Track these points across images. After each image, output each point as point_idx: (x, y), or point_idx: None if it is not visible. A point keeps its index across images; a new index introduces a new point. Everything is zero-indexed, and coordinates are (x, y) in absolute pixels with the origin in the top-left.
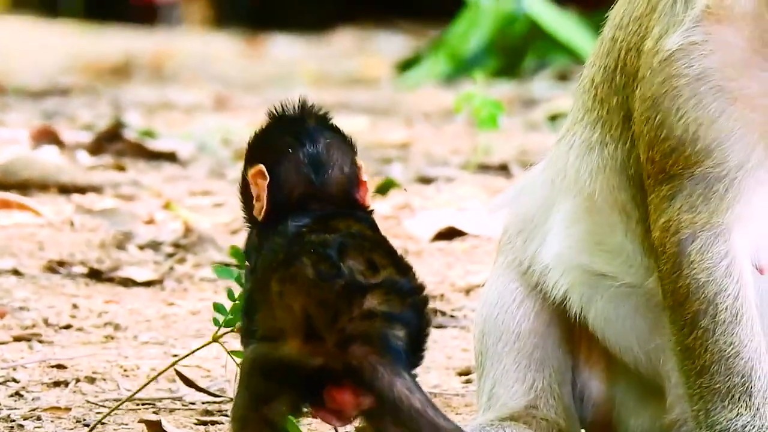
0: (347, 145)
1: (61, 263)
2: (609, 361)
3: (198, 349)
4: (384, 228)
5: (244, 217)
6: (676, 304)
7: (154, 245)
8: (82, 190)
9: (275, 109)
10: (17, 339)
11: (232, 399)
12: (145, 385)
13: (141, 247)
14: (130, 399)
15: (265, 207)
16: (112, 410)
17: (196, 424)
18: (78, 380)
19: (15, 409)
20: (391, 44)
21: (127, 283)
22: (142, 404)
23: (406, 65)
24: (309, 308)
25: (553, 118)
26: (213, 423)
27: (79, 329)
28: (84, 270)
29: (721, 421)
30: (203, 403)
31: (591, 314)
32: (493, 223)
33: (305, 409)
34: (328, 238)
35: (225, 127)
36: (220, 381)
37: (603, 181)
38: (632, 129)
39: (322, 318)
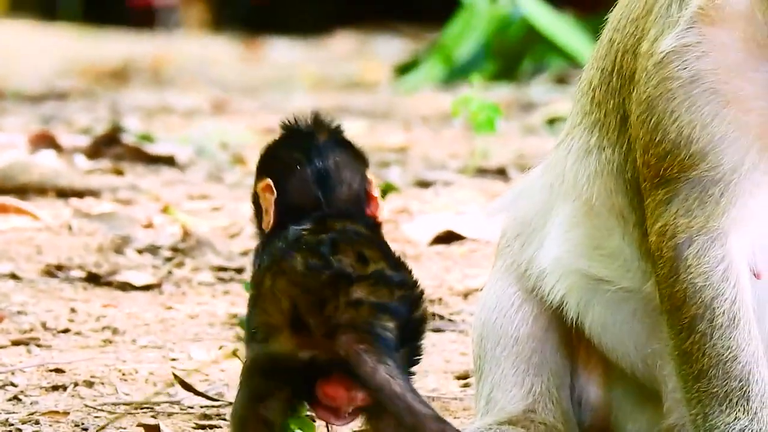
0: (358, 159)
1: (59, 267)
2: (606, 365)
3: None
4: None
5: (256, 231)
6: (674, 309)
7: (153, 249)
8: (80, 194)
9: (288, 122)
10: (15, 343)
11: (230, 403)
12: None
13: (139, 251)
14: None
15: (272, 220)
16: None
17: (194, 428)
18: (76, 384)
19: (13, 413)
20: (389, 48)
21: (126, 287)
22: (141, 408)
23: (404, 69)
24: (296, 298)
25: (551, 121)
26: (211, 427)
27: (78, 333)
28: (82, 274)
29: (719, 425)
30: (201, 407)
31: (588, 319)
32: (491, 227)
33: (304, 408)
34: (323, 237)
35: (223, 131)
36: (219, 385)
37: (601, 185)
38: (629, 132)
39: (309, 307)
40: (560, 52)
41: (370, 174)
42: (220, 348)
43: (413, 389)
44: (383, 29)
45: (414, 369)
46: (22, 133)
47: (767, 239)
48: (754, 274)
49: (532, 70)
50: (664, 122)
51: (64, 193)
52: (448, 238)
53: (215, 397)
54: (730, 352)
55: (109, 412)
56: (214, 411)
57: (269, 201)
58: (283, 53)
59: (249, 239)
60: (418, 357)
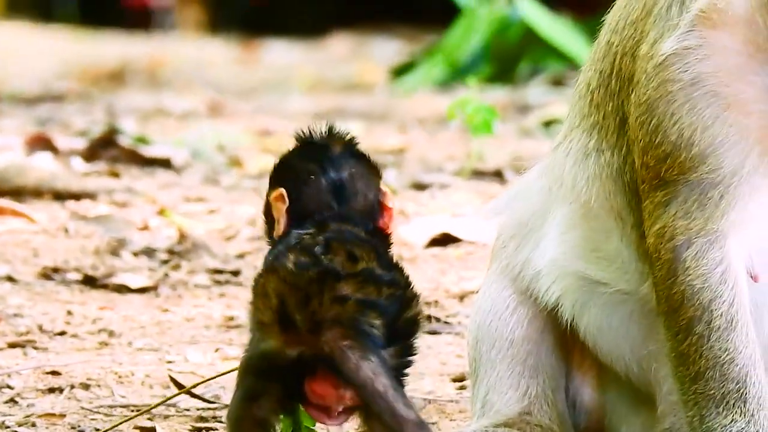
0: (372, 171)
1: (56, 270)
2: (600, 368)
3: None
4: None
5: (267, 240)
6: (671, 311)
7: (149, 252)
8: (76, 196)
9: (302, 134)
10: (12, 345)
11: (226, 405)
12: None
13: (135, 254)
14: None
15: (283, 229)
16: (131, 418)
17: (190, 430)
18: (72, 387)
19: (10, 415)
20: (386, 49)
21: (122, 289)
22: (137, 411)
23: (401, 71)
24: (284, 295)
25: (548, 124)
26: (207, 429)
27: (74, 336)
28: (78, 276)
29: (715, 427)
30: (198, 409)
31: (583, 321)
32: (487, 229)
33: (299, 408)
34: (320, 237)
35: (219, 134)
36: (215, 387)
37: (599, 188)
38: (628, 134)
39: (295, 303)
40: (557, 55)
41: (384, 185)
42: (217, 350)
43: (397, 388)
44: (380, 31)
45: (409, 370)
46: (18, 135)
47: (765, 242)
48: (752, 277)
49: (528, 73)
50: (664, 124)
51: (60, 196)
52: (444, 240)
53: (211, 399)
54: (727, 354)
55: (106, 415)
56: (210, 413)
57: (281, 210)
58: (279, 55)
59: (245, 242)
60: (411, 357)
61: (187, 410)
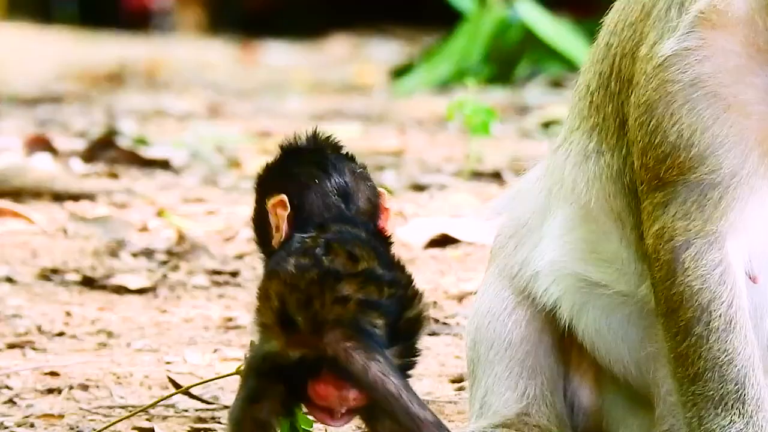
0: (366, 173)
1: (55, 271)
2: (598, 369)
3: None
4: None
5: (260, 248)
6: (670, 311)
7: (148, 253)
8: (75, 197)
9: (289, 141)
10: (11, 346)
11: (225, 406)
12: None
13: (134, 255)
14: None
15: (284, 236)
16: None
17: (189, 431)
18: (71, 387)
19: (8, 416)
20: (384, 51)
21: (121, 290)
22: (136, 411)
23: (399, 72)
24: (285, 296)
25: (547, 125)
26: (206, 430)
27: (73, 337)
28: (77, 277)
29: (714, 428)
30: (196, 410)
31: (582, 323)
32: (486, 230)
33: (300, 409)
34: (320, 239)
35: (218, 135)
36: (213, 388)
37: (599, 189)
38: (627, 136)
39: (296, 304)
40: (557, 56)
41: (380, 186)
42: (215, 351)
43: (409, 388)
44: (378, 33)
45: (411, 371)
46: (17, 136)
47: (764, 244)
48: (751, 279)
49: (527, 74)
50: (663, 125)
51: (59, 197)
52: (443, 241)
53: (210, 400)
54: (726, 356)
55: (104, 415)
56: (209, 414)
57: (281, 217)
58: (278, 57)
59: (244, 243)
60: (414, 357)
61: (186, 411)
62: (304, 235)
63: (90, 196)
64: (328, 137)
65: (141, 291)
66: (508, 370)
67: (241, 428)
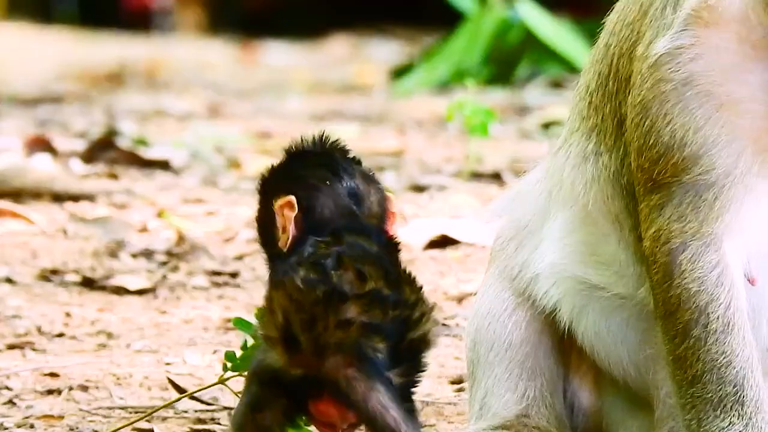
0: (375, 177)
1: (55, 271)
2: (597, 372)
3: (205, 388)
4: None
5: (264, 249)
6: (668, 314)
7: (147, 254)
8: (75, 198)
9: (294, 144)
10: (10, 347)
11: (225, 407)
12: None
13: (134, 256)
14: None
15: (291, 238)
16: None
17: None
18: (71, 388)
19: (8, 417)
20: (384, 51)
21: (120, 291)
22: (135, 412)
23: (399, 72)
24: (289, 314)
25: (546, 126)
26: (206, 431)
27: (72, 337)
28: (77, 278)
29: (713, 430)
30: (196, 411)
31: (581, 325)
32: (486, 231)
33: (302, 420)
34: (332, 250)
35: (218, 135)
36: (213, 390)
37: (597, 191)
38: (625, 137)
39: (300, 324)
40: (557, 57)
41: (387, 191)
42: (215, 352)
43: (408, 419)
44: (378, 33)
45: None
46: (17, 136)
47: (761, 245)
48: (748, 280)
49: (527, 75)
50: (657, 125)
51: (59, 197)
52: (442, 242)
53: (209, 401)
54: (724, 357)
55: (104, 416)
56: (208, 415)
57: (289, 218)
58: (278, 57)
59: (244, 244)
60: (418, 375)
61: (186, 412)
62: (319, 239)
63: (90, 197)
64: (335, 141)
65: (141, 292)
66: (507, 372)
67: None
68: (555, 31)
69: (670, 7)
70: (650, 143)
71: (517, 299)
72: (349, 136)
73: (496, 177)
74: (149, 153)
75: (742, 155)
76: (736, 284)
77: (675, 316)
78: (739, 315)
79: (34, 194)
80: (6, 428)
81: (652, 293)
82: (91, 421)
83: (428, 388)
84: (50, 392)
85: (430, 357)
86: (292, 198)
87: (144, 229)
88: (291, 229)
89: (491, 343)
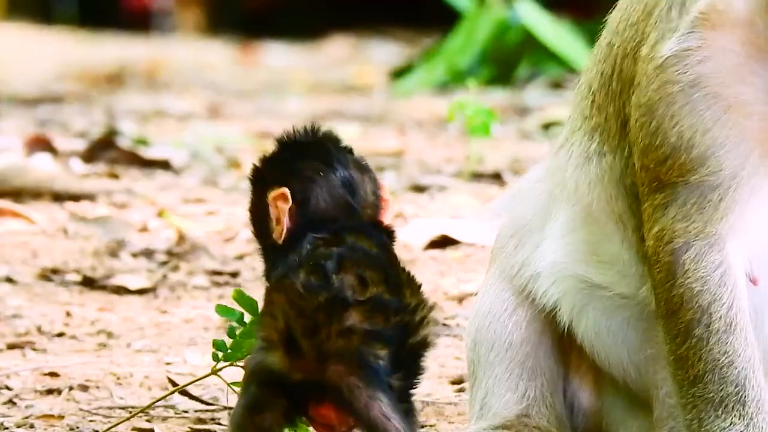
0: (367, 165)
1: (55, 271)
2: (597, 371)
3: (199, 379)
4: None
5: (258, 240)
6: (670, 313)
7: (148, 253)
8: (75, 197)
9: (288, 134)
10: (11, 347)
11: (225, 407)
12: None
13: (134, 255)
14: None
15: (285, 230)
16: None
17: None
18: (71, 388)
19: (8, 416)
20: (384, 52)
21: (121, 291)
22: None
23: (399, 73)
24: (290, 319)
25: (547, 126)
26: (206, 431)
27: (73, 337)
28: (77, 278)
29: (714, 430)
30: (196, 411)
31: (582, 325)
32: (486, 231)
33: (300, 422)
34: (333, 251)
35: (218, 135)
36: (213, 389)
37: (600, 191)
38: (629, 137)
39: (302, 330)
40: (557, 58)
41: (381, 179)
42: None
43: (409, 428)
44: (377, 34)
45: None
46: (17, 136)
47: (764, 245)
48: (751, 281)
49: (527, 76)
50: (664, 126)
51: (59, 197)
52: (443, 242)
53: (210, 401)
54: (726, 357)
55: (104, 416)
56: (208, 415)
57: (283, 210)
58: (278, 57)
59: (244, 243)
60: (418, 377)
61: (186, 412)
62: (317, 236)
63: (90, 197)
64: (327, 131)
65: (141, 291)
66: (508, 372)
67: None
68: (555, 32)
69: (675, 9)
70: (656, 144)
71: (518, 299)
72: (350, 136)
73: (496, 177)
74: (149, 153)
75: (749, 157)
76: (739, 284)
77: (677, 315)
78: (742, 315)
79: (35, 194)
80: (6, 428)
81: (654, 293)
82: (91, 421)
83: (428, 388)
84: (50, 392)
85: (431, 357)
86: (286, 190)
87: (144, 229)
88: (285, 221)
89: (492, 342)
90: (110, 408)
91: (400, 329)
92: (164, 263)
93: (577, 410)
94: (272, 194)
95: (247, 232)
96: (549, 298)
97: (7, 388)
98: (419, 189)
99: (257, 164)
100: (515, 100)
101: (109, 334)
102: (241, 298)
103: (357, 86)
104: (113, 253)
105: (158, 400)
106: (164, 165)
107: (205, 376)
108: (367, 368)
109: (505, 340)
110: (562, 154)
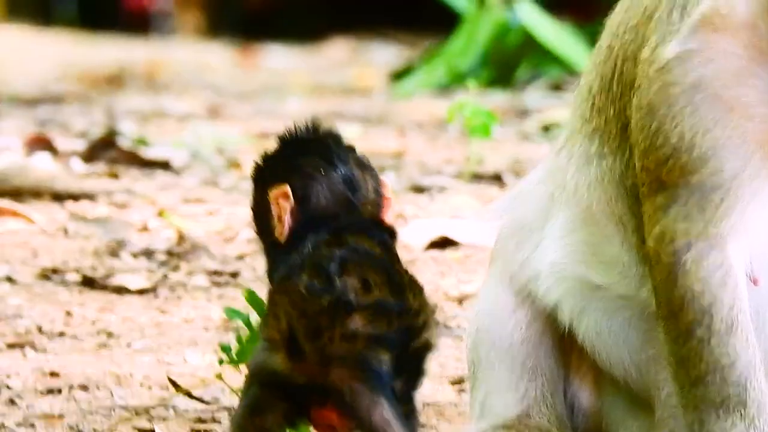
0: (368, 162)
1: (55, 271)
2: (598, 372)
3: (204, 382)
4: None
5: (260, 238)
6: (671, 315)
7: (148, 253)
8: (75, 197)
9: (289, 131)
10: (11, 346)
11: (225, 407)
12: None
13: (134, 255)
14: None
15: (287, 228)
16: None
17: None
18: (71, 388)
19: (9, 416)
20: (384, 54)
21: (121, 290)
22: (136, 413)
23: (399, 75)
24: (293, 321)
25: (546, 128)
26: (206, 431)
27: (73, 337)
28: (78, 278)
29: (715, 431)
30: (196, 411)
31: (582, 325)
32: (486, 232)
33: (302, 424)
34: (335, 252)
35: (218, 136)
36: (214, 389)
37: (601, 193)
38: (629, 139)
39: (304, 333)
40: (557, 60)
41: (382, 177)
42: (215, 352)
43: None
44: (378, 36)
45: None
46: (18, 136)
47: (765, 246)
48: (752, 281)
49: (527, 77)
50: (665, 127)
51: (59, 197)
52: (443, 243)
53: (210, 401)
54: (727, 359)
55: (104, 416)
56: (209, 415)
57: (284, 208)
58: (278, 59)
59: (244, 243)
60: (419, 379)
61: (186, 411)
62: (318, 237)
63: (90, 196)
64: (328, 128)
65: (141, 291)
66: (508, 372)
67: None
68: (555, 34)
69: (677, 12)
70: (657, 144)
71: (518, 299)
72: (350, 137)
73: (496, 178)
74: (149, 153)
75: (751, 158)
76: (740, 285)
77: (678, 316)
78: (743, 316)
79: (35, 193)
80: (6, 427)
81: (654, 294)
82: (91, 421)
83: (429, 388)
84: (50, 392)
85: (431, 358)
86: (287, 187)
87: (144, 229)
88: (287, 219)
89: (492, 343)
90: (110, 408)
91: (402, 333)
92: (164, 263)
93: (578, 410)
94: (274, 192)
95: (247, 232)
96: (549, 299)
97: (8, 387)
98: (419, 190)
99: (258, 162)
100: (515, 101)
101: (110, 334)
102: (252, 298)
103: (357, 88)
104: (113, 253)
105: (162, 403)
106: (164, 165)
107: (216, 377)
108: (369, 372)
109: (505, 341)
110: (562, 156)
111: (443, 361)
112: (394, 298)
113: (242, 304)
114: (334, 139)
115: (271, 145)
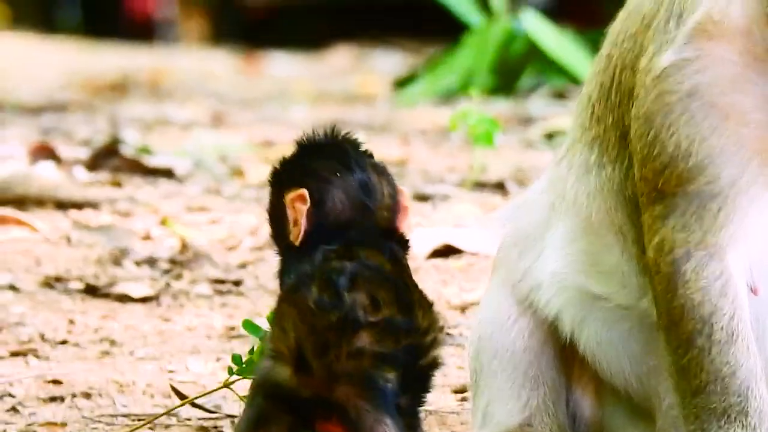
0: (386, 169)
1: (58, 279)
2: (599, 382)
3: (209, 392)
4: None
5: (275, 241)
6: (671, 324)
7: (151, 261)
8: (79, 206)
9: (307, 135)
10: (14, 354)
11: (228, 415)
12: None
13: (137, 263)
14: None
15: (303, 232)
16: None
17: None
18: (74, 396)
19: (11, 423)
20: (387, 62)
21: (124, 299)
22: (138, 420)
23: (402, 83)
24: (301, 336)
25: (550, 136)
26: None
27: (76, 345)
28: (80, 286)
29: None
30: (199, 419)
31: (583, 335)
32: (489, 241)
33: None
34: (346, 265)
35: (222, 144)
36: (216, 397)
37: (600, 203)
38: (628, 148)
39: (312, 349)
40: (560, 68)
41: (399, 185)
42: (218, 360)
43: None
44: (381, 44)
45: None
46: (21, 144)
47: (764, 254)
48: (752, 290)
49: (530, 85)
50: (662, 136)
51: (63, 205)
52: (446, 251)
53: (213, 409)
54: (728, 368)
55: (107, 424)
56: (211, 423)
57: (300, 211)
58: (281, 67)
59: (247, 252)
60: (425, 396)
61: (189, 420)
62: (328, 248)
63: (93, 205)
64: (346, 133)
65: (144, 299)
66: (510, 381)
67: None
68: (558, 42)
69: (673, 21)
70: (654, 154)
71: (520, 308)
72: None
73: (499, 187)
74: (153, 161)
75: (747, 165)
76: (740, 294)
77: (678, 326)
78: (743, 325)
79: (38, 202)
80: None
81: (655, 304)
82: (94, 429)
83: (431, 397)
84: (53, 399)
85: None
86: (304, 191)
87: (147, 237)
88: (303, 223)
89: (494, 351)
90: (113, 416)
91: (410, 351)
92: (167, 271)
93: (579, 420)
94: (290, 195)
95: (250, 240)
96: (550, 309)
97: (10, 395)
98: (422, 198)
99: (276, 166)
100: (518, 109)
101: (112, 342)
102: (250, 327)
103: (360, 96)
104: (116, 261)
105: (166, 413)
106: (167, 173)
107: (218, 389)
108: (375, 391)
109: (507, 350)
110: (563, 165)
111: (446, 370)
112: (402, 316)
113: (245, 313)
114: (351, 144)
115: (275, 154)
